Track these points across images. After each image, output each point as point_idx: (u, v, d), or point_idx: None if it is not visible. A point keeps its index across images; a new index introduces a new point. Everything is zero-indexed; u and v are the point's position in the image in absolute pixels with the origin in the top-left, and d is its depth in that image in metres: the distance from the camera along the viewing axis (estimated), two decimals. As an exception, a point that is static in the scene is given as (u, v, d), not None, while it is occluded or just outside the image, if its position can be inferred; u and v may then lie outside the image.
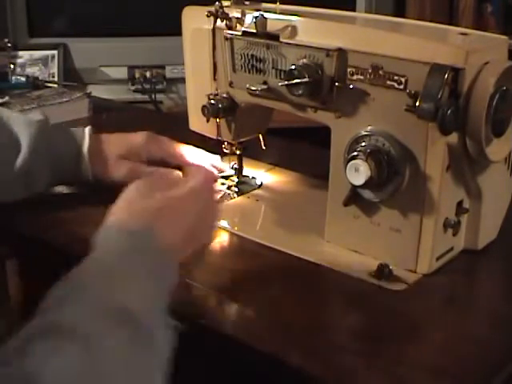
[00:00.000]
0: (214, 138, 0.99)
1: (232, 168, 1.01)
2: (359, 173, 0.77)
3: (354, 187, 0.79)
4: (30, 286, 1.11)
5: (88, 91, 1.41)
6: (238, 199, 0.98)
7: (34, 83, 1.49)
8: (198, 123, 1.00)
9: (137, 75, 1.87)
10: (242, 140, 0.99)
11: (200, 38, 0.94)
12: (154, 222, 0.64)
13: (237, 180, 1.01)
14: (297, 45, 0.83)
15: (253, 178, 1.03)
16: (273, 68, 0.86)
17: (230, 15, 0.89)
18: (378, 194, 0.80)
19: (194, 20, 0.95)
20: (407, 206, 0.78)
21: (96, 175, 0.95)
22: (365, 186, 0.78)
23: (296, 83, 0.81)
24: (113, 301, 0.56)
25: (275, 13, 0.88)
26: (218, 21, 0.90)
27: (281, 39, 0.84)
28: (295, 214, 0.94)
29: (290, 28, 0.84)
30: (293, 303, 0.74)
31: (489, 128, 0.75)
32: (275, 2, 0.91)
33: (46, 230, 0.90)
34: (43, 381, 0.48)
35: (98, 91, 1.59)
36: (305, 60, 0.81)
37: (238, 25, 0.89)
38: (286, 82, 0.82)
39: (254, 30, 0.85)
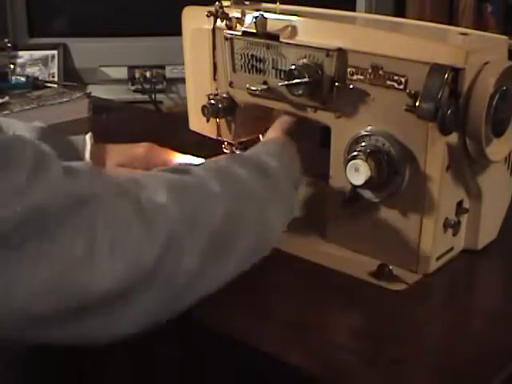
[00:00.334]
0: (214, 137, 0.99)
1: (232, 168, 1.01)
2: (359, 173, 0.77)
3: (354, 187, 0.79)
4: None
5: (88, 91, 1.41)
6: (238, 199, 0.98)
7: (34, 83, 1.49)
8: (198, 123, 1.00)
9: (137, 75, 1.87)
10: (241, 140, 0.99)
11: (200, 38, 0.94)
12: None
13: (237, 180, 1.01)
14: (297, 45, 0.83)
15: (253, 178, 1.03)
16: (273, 68, 0.86)
17: (230, 15, 0.89)
18: (378, 194, 0.80)
19: (194, 20, 0.95)
20: (407, 206, 0.78)
21: None
22: (365, 185, 0.78)
23: (296, 83, 0.81)
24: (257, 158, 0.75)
25: (275, 13, 0.88)
26: (218, 21, 0.90)
27: (281, 39, 0.84)
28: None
29: (289, 28, 0.84)
30: (293, 303, 0.74)
31: (489, 128, 0.75)
32: (275, 2, 0.91)
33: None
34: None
35: (98, 91, 1.59)
36: (305, 60, 0.81)
37: (238, 25, 0.89)
38: (286, 82, 0.82)
39: (254, 30, 0.85)
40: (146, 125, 1.32)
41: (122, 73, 1.88)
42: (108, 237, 0.53)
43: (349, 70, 0.79)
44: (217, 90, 0.94)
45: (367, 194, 0.80)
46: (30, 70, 1.76)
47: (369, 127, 0.79)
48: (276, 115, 0.91)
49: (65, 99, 1.35)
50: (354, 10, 1.82)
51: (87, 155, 0.95)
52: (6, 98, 1.32)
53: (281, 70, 0.85)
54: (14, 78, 1.54)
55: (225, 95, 0.94)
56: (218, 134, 0.98)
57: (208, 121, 0.95)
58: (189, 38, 0.97)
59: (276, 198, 0.73)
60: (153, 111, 1.76)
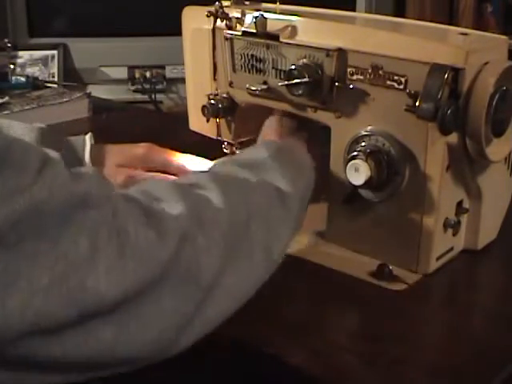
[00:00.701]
0: (214, 137, 0.99)
1: (232, 168, 1.01)
2: (359, 173, 0.77)
3: (354, 187, 0.79)
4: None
5: (88, 91, 1.41)
6: (238, 199, 0.98)
7: (34, 83, 1.48)
8: (198, 123, 1.00)
9: (137, 75, 1.87)
10: (241, 140, 0.99)
11: (200, 38, 0.94)
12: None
13: (237, 180, 1.01)
14: (297, 45, 0.83)
15: (253, 178, 1.03)
16: (273, 68, 0.86)
17: (230, 15, 0.89)
18: (378, 193, 0.80)
19: (194, 20, 0.95)
20: (407, 206, 0.78)
21: None
22: (365, 185, 0.78)
23: (296, 83, 0.81)
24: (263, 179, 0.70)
25: (275, 13, 0.87)
26: (218, 21, 0.90)
27: (281, 39, 0.84)
28: (295, 213, 0.94)
29: (289, 28, 0.84)
30: (293, 303, 0.74)
31: (489, 128, 0.75)
32: (275, 2, 0.91)
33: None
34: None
35: (98, 91, 1.59)
36: (305, 60, 0.81)
37: (238, 25, 0.89)
38: (286, 82, 0.82)
39: (254, 30, 0.85)
40: (146, 125, 1.32)
41: (121, 73, 1.88)
42: (115, 239, 0.51)
43: (349, 70, 0.79)
44: (217, 90, 0.94)
45: (367, 193, 0.80)
46: (30, 70, 1.76)
47: (369, 127, 0.79)
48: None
49: (65, 99, 1.35)
50: (354, 10, 1.83)
51: (87, 155, 0.95)
52: (6, 98, 1.32)
53: (281, 70, 0.85)
54: (14, 77, 1.53)
55: (225, 95, 0.94)
56: (218, 134, 0.98)
57: (208, 121, 0.95)
58: (189, 38, 0.97)
59: (286, 217, 0.70)
60: (153, 111, 1.76)
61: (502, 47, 0.79)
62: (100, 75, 1.88)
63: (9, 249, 0.46)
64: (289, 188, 0.71)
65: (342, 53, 0.79)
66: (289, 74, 0.82)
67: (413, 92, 0.73)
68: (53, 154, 0.54)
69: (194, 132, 1.01)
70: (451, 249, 0.82)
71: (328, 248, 0.85)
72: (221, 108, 0.94)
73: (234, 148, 0.99)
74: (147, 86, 1.85)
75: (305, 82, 0.81)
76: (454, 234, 0.81)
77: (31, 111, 1.28)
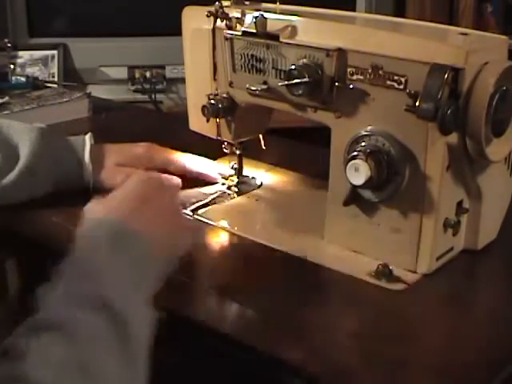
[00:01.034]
0: (214, 137, 0.99)
1: (232, 168, 1.01)
2: (359, 173, 0.77)
3: (354, 187, 0.79)
4: (30, 286, 1.10)
5: (88, 91, 1.41)
6: (238, 199, 0.98)
7: (34, 83, 1.48)
8: (198, 123, 1.00)
9: (137, 75, 1.87)
10: (241, 140, 0.99)
11: (200, 38, 0.94)
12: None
13: (237, 180, 1.01)
14: (297, 45, 0.83)
15: (253, 178, 1.03)
16: (273, 68, 0.86)
17: (230, 15, 0.89)
18: (378, 194, 0.79)
19: (194, 20, 0.95)
20: (407, 206, 0.78)
21: (96, 182, 0.95)
22: (365, 185, 0.78)
23: (296, 83, 0.81)
24: (87, 289, 0.58)
25: (275, 13, 0.88)
26: (218, 21, 0.90)
27: (281, 39, 0.84)
28: (295, 214, 0.94)
29: (289, 28, 0.84)
30: (293, 303, 0.74)
31: (489, 128, 0.75)
32: (275, 2, 0.91)
33: (44, 230, 0.90)
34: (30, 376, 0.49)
35: (98, 91, 1.59)
36: (305, 60, 0.81)
37: (238, 25, 0.89)
38: (286, 82, 0.82)
39: (254, 30, 0.85)
40: (146, 125, 1.32)
41: (121, 73, 1.88)
42: None
43: (349, 70, 0.79)
44: (217, 89, 0.94)
45: (367, 193, 0.80)
46: (29, 70, 1.76)
47: (369, 127, 0.79)
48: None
49: (65, 99, 1.35)
50: (354, 10, 1.83)
51: (87, 155, 0.95)
52: (6, 98, 1.32)
53: (281, 70, 0.85)
54: (14, 77, 1.53)
55: (225, 95, 0.94)
56: (218, 134, 0.98)
57: (208, 121, 0.95)
58: (189, 38, 0.97)
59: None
60: (153, 111, 1.76)
61: (502, 47, 0.79)
62: (100, 75, 1.88)
63: None
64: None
65: (341, 53, 0.79)
66: (289, 74, 0.82)
67: (413, 92, 0.73)
68: None
69: (194, 132, 1.01)
70: (451, 249, 0.82)
71: (328, 248, 0.85)
72: (221, 108, 0.94)
73: (234, 148, 0.99)
74: (147, 86, 1.85)
75: (305, 82, 0.81)
76: (454, 234, 0.81)
77: (31, 111, 1.28)
